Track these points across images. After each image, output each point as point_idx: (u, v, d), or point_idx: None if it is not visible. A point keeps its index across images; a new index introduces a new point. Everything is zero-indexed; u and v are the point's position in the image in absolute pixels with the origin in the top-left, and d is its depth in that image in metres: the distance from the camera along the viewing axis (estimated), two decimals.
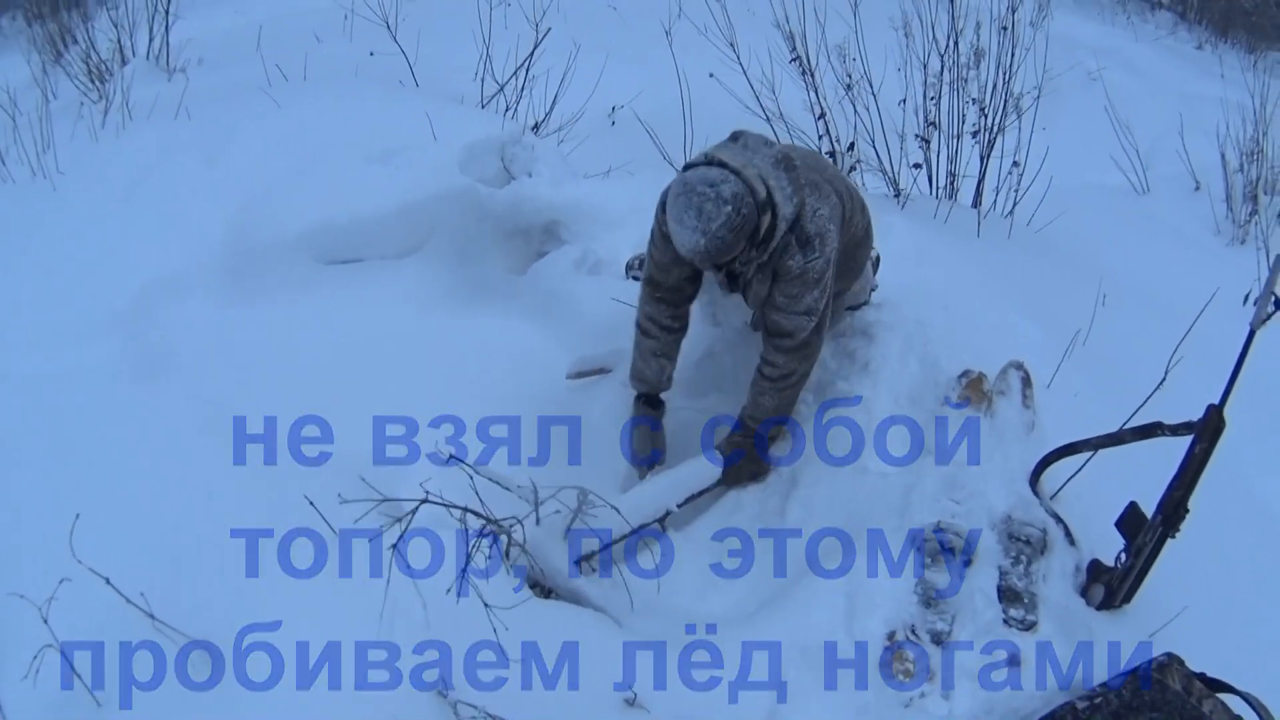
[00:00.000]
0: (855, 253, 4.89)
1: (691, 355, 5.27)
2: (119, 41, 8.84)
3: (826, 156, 6.60)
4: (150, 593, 3.16)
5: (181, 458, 4.27)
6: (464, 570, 3.34)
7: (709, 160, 4.07)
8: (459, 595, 3.31)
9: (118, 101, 7.11)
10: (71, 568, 2.99)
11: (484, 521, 3.53)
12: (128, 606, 3.10)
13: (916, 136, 7.59)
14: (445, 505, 3.45)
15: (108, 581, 3.04)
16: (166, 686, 3.18)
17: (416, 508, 3.39)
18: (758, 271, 4.41)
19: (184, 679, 3.17)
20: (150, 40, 8.70)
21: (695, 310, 4.93)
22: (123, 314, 5.03)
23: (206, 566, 3.62)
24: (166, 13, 8.69)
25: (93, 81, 8.13)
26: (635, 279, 5.62)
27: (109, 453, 4.26)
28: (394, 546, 3.31)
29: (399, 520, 3.35)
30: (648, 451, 4.83)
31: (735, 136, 4.33)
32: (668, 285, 4.63)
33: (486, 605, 3.29)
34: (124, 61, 8.65)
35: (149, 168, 6.08)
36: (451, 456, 3.84)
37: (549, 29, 7.66)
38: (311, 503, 3.57)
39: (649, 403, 4.91)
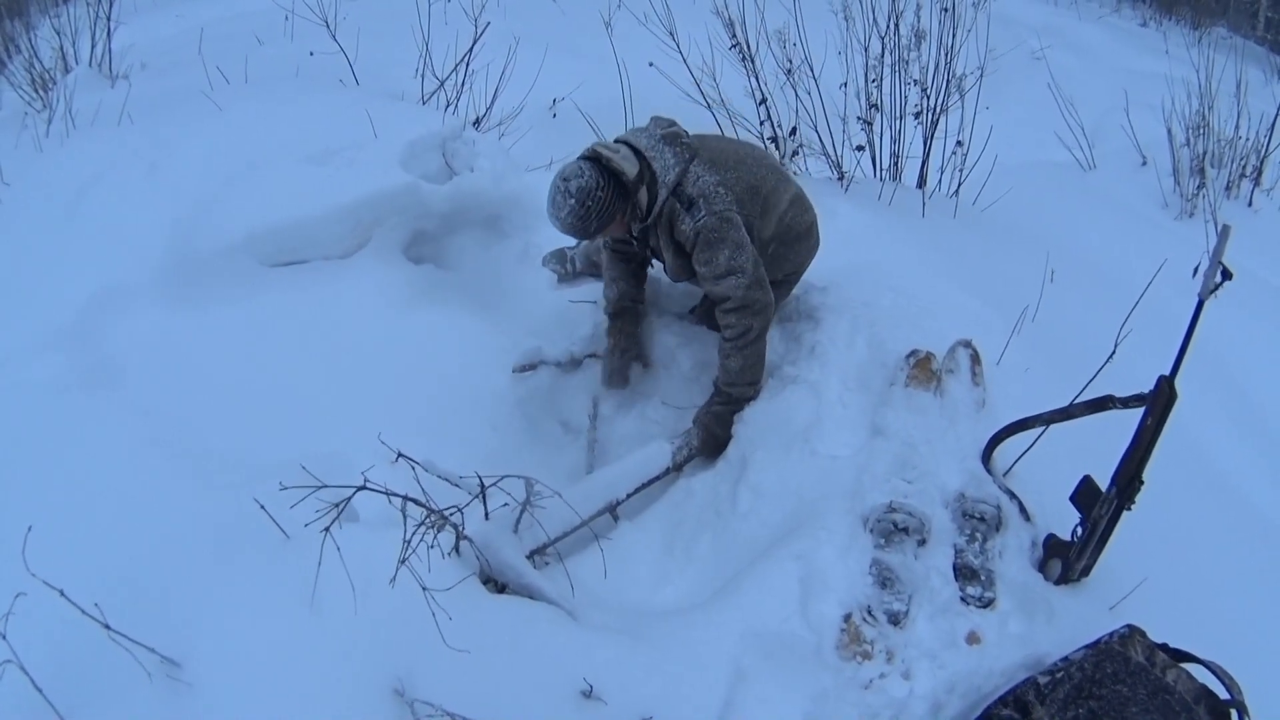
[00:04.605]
0: (796, 246, 5.08)
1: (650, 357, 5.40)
2: (61, 49, 8.75)
3: (764, 151, 6.48)
4: (105, 604, 3.09)
5: (132, 467, 4.21)
6: (403, 560, 3.30)
7: (590, 153, 4.63)
8: (392, 582, 3.27)
9: (61, 110, 7.04)
10: (26, 581, 2.93)
11: (426, 511, 3.49)
12: (84, 619, 3.04)
13: (859, 119, 7.59)
14: (384, 493, 3.41)
15: (62, 594, 2.98)
16: (126, 697, 3.12)
17: (354, 493, 3.37)
18: (659, 240, 4.79)
19: (143, 689, 3.11)
20: (93, 47, 8.63)
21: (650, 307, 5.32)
22: (70, 326, 4.96)
23: (160, 575, 3.56)
24: (108, 19, 8.64)
25: (36, 91, 8.03)
26: (554, 271, 5.95)
27: (59, 465, 4.20)
28: (326, 530, 3.26)
29: (337, 505, 3.31)
30: (617, 383, 5.37)
31: (650, 121, 4.85)
32: (614, 246, 5.13)
33: (435, 601, 3.26)
34: (67, 69, 8.56)
35: (93, 176, 6.01)
36: (399, 455, 3.79)
37: (488, 23, 7.63)
38: (262, 506, 3.51)
39: (621, 325, 5.36)
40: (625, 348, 5.30)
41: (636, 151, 4.61)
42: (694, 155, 4.65)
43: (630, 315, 5.32)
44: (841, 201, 6.53)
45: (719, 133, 6.51)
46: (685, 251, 4.71)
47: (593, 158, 4.58)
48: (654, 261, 5.18)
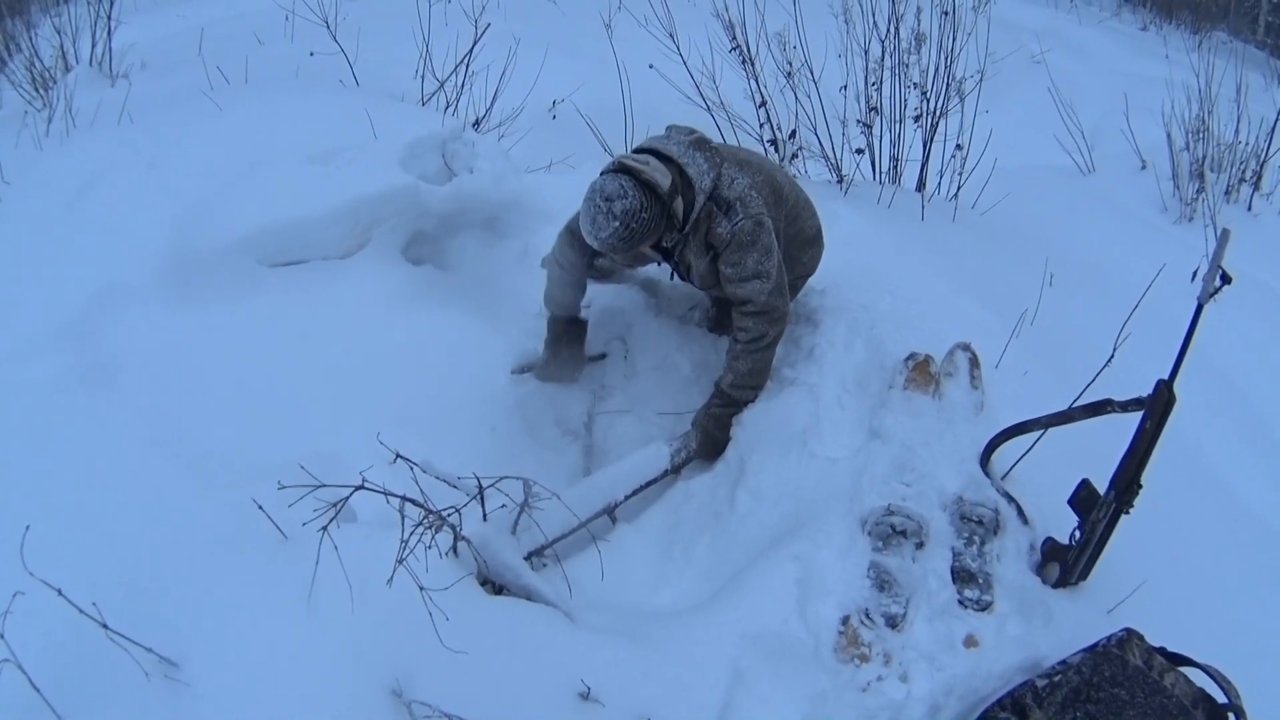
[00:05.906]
0: (808, 250, 5.10)
1: (649, 360, 5.42)
2: (62, 48, 8.71)
3: (768, 157, 6.47)
4: (103, 603, 3.09)
5: (131, 467, 4.20)
6: (401, 561, 3.30)
7: (620, 166, 4.46)
8: (390, 582, 3.26)
9: (61, 109, 7.02)
10: (24, 580, 2.93)
11: (423, 512, 3.48)
12: (82, 618, 3.04)
13: (858, 122, 7.59)
14: (381, 492, 3.40)
15: (60, 593, 2.98)
16: (124, 697, 3.12)
17: (352, 493, 3.37)
18: (690, 246, 4.68)
19: (141, 689, 3.11)
20: (93, 46, 8.59)
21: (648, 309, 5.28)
22: (70, 325, 4.93)
23: (158, 575, 3.56)
24: (109, 18, 8.61)
25: (37, 89, 8.00)
26: None
27: (59, 464, 4.18)
28: (324, 529, 3.26)
29: (335, 505, 3.31)
30: (564, 375, 5.36)
31: (667, 130, 4.71)
32: (582, 238, 4.86)
33: (433, 602, 3.25)
34: (67, 68, 8.52)
35: (93, 176, 5.98)
36: (398, 455, 3.79)
37: (488, 24, 7.62)
38: (260, 506, 3.51)
39: (566, 327, 5.28)
40: (571, 353, 5.31)
41: (664, 158, 4.51)
42: (723, 159, 4.60)
43: (579, 324, 5.33)
44: (841, 204, 6.53)
45: (719, 138, 6.52)
46: (714, 256, 4.67)
47: (624, 171, 4.44)
48: (674, 275, 5.10)
